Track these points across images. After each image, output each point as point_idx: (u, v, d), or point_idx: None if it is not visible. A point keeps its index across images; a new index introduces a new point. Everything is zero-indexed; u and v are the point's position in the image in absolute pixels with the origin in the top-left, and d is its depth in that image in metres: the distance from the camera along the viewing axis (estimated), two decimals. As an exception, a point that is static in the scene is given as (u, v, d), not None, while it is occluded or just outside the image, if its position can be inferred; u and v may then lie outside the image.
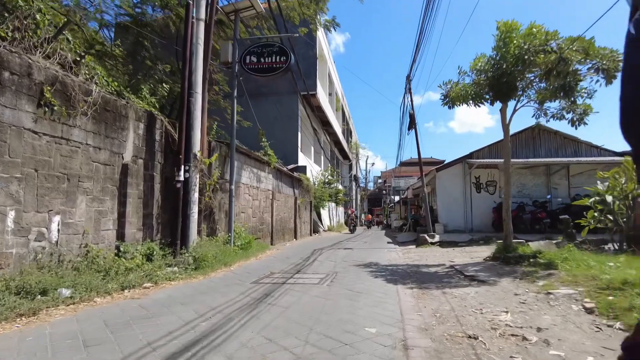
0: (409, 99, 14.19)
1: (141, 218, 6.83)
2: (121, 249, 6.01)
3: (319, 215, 23.54)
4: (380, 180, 72.99)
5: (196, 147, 7.65)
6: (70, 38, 5.97)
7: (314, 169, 24.67)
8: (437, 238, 13.38)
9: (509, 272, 6.44)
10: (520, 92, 8.40)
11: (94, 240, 5.68)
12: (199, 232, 8.07)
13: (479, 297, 4.95)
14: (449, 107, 9.67)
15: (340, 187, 34.49)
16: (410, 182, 33.22)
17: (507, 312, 4.09)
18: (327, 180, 27.09)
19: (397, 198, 44.49)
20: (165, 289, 5.75)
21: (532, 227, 13.59)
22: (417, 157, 46.86)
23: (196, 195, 7.62)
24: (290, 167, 20.17)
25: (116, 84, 6.82)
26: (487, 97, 8.56)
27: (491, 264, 7.55)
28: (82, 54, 5.91)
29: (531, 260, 6.81)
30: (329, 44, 29.57)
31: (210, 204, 8.46)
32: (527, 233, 13.43)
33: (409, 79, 14.29)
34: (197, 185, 7.74)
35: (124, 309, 4.42)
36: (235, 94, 9.78)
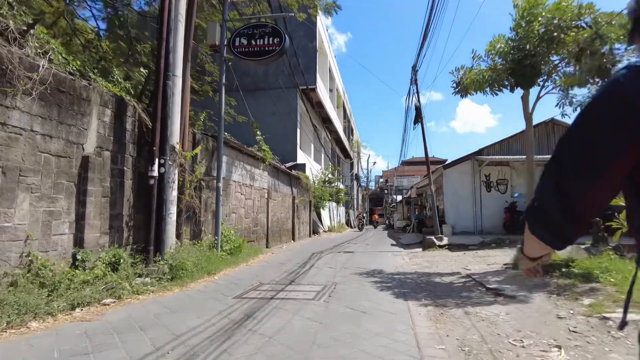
0: (415, 90, 13.22)
1: (107, 220, 5.85)
2: (78, 257, 5.03)
3: (319, 215, 22.56)
4: (382, 180, 71.92)
5: (174, 137, 6.67)
6: (12, 1, 5.00)
7: (313, 167, 23.69)
8: (445, 240, 12.38)
9: (540, 284, 5.44)
10: (545, 77, 7.41)
11: (42, 248, 4.70)
12: (178, 236, 7.09)
13: (512, 320, 3.95)
14: (462, 96, 8.69)
15: (341, 186, 33.49)
16: (414, 181, 32.21)
17: (559, 347, 3.09)
18: (327, 179, 26.10)
19: (399, 198, 43.47)
20: (128, 305, 4.77)
21: (548, 229, 12.56)
22: (420, 156, 45.68)
23: (174, 193, 6.64)
24: (288, 164, 19.19)
25: (79, 62, 5.83)
26: (507, 83, 7.57)
27: (514, 273, 6.54)
28: (31, 23, 4.92)
29: (563, 270, 5.81)
30: (331, 43, 28.62)
31: (192, 204, 7.48)
32: (543, 235, 12.42)
33: (415, 69, 13.31)
34: (176, 182, 6.75)
35: (60, 339, 3.44)
36: (224, 80, 8.80)
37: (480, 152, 14.45)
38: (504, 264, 7.42)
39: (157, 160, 6.10)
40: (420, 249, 12.66)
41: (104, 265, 5.34)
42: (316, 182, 23.31)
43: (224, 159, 9.63)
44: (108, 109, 5.90)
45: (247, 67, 21.64)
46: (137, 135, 6.52)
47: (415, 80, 13.34)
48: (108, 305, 4.68)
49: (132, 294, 5.18)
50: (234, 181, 10.28)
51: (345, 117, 37.40)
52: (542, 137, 14.48)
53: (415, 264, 8.83)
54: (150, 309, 4.57)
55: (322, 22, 24.18)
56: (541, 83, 7.33)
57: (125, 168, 6.23)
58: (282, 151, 20.70)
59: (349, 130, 40.71)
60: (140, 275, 5.79)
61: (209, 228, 8.68)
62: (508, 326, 3.74)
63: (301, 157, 20.96)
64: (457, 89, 8.59)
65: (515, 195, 14.27)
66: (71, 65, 5.61)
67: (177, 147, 6.72)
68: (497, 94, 7.96)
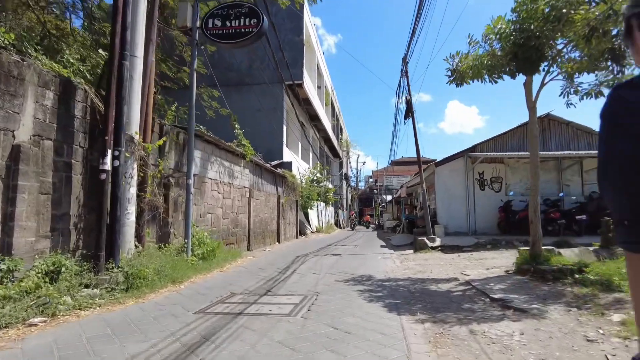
0: (405, 83, 12.50)
1: (49, 221, 4.96)
2: (2, 267, 4.15)
3: (306, 215, 21.75)
4: (371, 180, 71.39)
5: (133, 126, 5.80)
6: None
7: (301, 166, 22.89)
8: (437, 242, 11.69)
9: (553, 294, 4.72)
10: (550, 62, 6.71)
11: (-48, 256, 3.81)
12: (140, 239, 6.23)
13: (531, 343, 3.20)
14: (457, 85, 7.96)
15: (330, 185, 32.73)
16: (404, 180, 31.62)
17: (603, 387, 2.34)
18: (315, 178, 25.31)
19: (389, 198, 42.89)
20: (62, 325, 3.91)
21: (545, 229, 11.91)
22: (410, 156, 45.13)
23: (133, 190, 5.77)
24: (274, 163, 18.34)
25: (12, 36, 4.93)
26: (508, 69, 6.86)
27: (519, 279, 5.83)
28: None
29: (577, 276, 5.11)
30: (321, 44, 27.76)
31: (155, 203, 6.60)
32: (539, 236, 11.82)
33: (405, 61, 12.59)
34: (135, 177, 5.89)
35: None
36: (195, 65, 7.93)
37: (473, 148, 13.81)
38: (508, 269, 6.71)
39: (109, 151, 5.23)
40: (412, 251, 11.94)
41: (40, 275, 4.45)
42: (304, 181, 22.51)
43: (198, 153, 8.78)
44: (50, 92, 5.01)
45: (232, 61, 20.79)
46: (89, 124, 5.63)
47: (406, 72, 12.63)
48: (35, 325, 3.80)
49: (73, 310, 4.31)
50: (210, 179, 9.41)
51: (334, 116, 36.67)
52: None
53: (407, 268, 8.08)
54: (86, 330, 3.71)
55: (309, 16, 23.41)
56: (545, 68, 6.64)
57: (73, 161, 5.35)
58: (267, 149, 19.85)
59: (338, 129, 39.98)
60: (87, 286, 4.92)
61: (179, 230, 7.81)
62: (527, 352, 2.99)
63: (288, 155, 20.14)
64: (452, 78, 7.86)
65: (511, 193, 13.67)
66: (2, 38, 4.72)
67: (137, 137, 5.86)
68: (496, 82, 7.24)
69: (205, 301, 4.99)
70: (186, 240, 7.30)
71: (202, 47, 8.90)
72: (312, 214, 22.59)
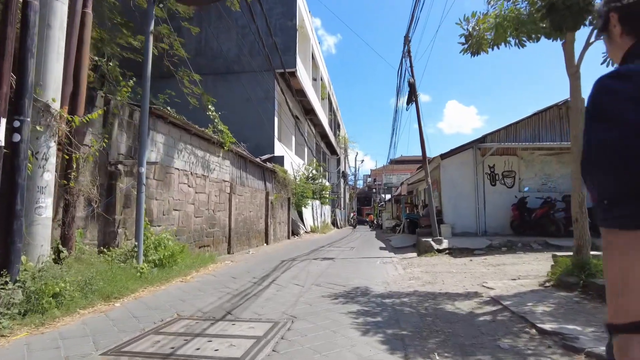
0: (408, 64, 11.04)
1: None
2: None
3: (300, 214, 20.29)
4: (370, 179, 69.98)
5: (50, 92, 4.33)
6: None
7: (295, 161, 21.42)
8: (445, 244, 10.23)
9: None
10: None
11: None
12: (65, 242, 4.76)
13: None
14: (473, 54, 6.52)
15: (326, 183, 31.28)
16: (404, 178, 30.16)
17: None
18: (310, 174, 23.84)
19: (388, 197, 41.44)
20: None
21: (567, 230, 10.50)
22: (410, 154, 43.61)
23: (48, 177, 4.30)
24: (264, 157, 16.89)
25: None
26: (543, 25, 5.40)
27: (566, 297, 4.38)
28: None
29: None
30: (320, 45, 26.30)
31: (88, 194, 5.12)
32: (560, 237, 10.39)
33: (407, 40, 11.13)
34: (54, 159, 4.41)
35: None
36: (152, 27, 6.43)
37: (483, 139, 12.36)
38: (542, 283, 5.25)
39: (1, 120, 3.74)
40: (415, 254, 10.49)
41: None
42: (297, 177, 21.05)
43: (161, 138, 7.31)
44: None
45: (219, 49, 19.32)
46: (-13, 87, 4.16)
47: (408, 51, 11.16)
48: None
49: None
50: (178, 169, 7.94)
51: (331, 111, 35.20)
52: (554, 121, 12.45)
53: (413, 277, 6.63)
54: None
55: (304, 1, 21.91)
56: (593, 23, 5.18)
57: (-43, 135, 3.87)
58: (257, 142, 18.39)
59: (335, 125, 38.52)
60: (-36, 310, 3.45)
61: (132, 230, 6.34)
62: None
63: (279, 150, 18.67)
64: (466, 46, 6.42)
65: (525, 189, 12.23)
66: None
67: (55, 106, 4.37)
68: (524, 45, 5.79)
69: (134, 330, 3.53)
70: (137, 243, 5.82)
71: (161, 5, 7.41)
72: (306, 212, 21.13)
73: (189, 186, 8.36)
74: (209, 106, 9.14)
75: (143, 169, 5.93)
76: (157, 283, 5.60)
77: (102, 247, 5.67)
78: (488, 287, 5.25)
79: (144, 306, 4.49)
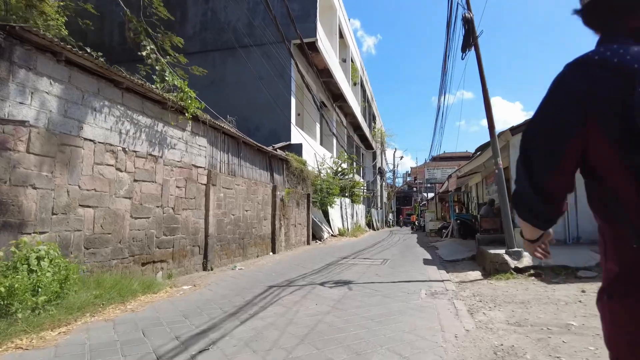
0: (464, -6, 7.49)
1: None
2: None
3: (325, 214, 17.05)
4: (409, 178, 65.44)
5: None
6: None
7: (319, 153, 18.20)
8: (527, 259, 6.57)
9: None
10: None
11: None
12: None
13: None
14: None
15: (360, 179, 27.80)
16: (450, 172, 25.91)
17: None
18: (340, 169, 20.51)
19: (430, 195, 37.19)
20: None
21: None
22: (452, 151, 38.51)
23: None
24: (278, 145, 13.83)
25: None
26: None
27: None
28: None
29: None
30: (359, 47, 22.18)
31: None
32: None
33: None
34: None
35: None
36: None
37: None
38: None
39: None
40: (479, 274, 6.93)
41: None
42: (322, 171, 17.81)
43: (51, 86, 4.32)
44: None
45: (227, 20, 16.52)
46: None
47: (464, -26, 7.62)
48: None
49: None
50: (92, 141, 4.95)
51: (365, 99, 31.61)
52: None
53: (499, 345, 3.16)
54: None
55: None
56: None
57: None
58: (271, 127, 15.37)
59: (370, 116, 34.89)
60: None
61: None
62: None
63: (297, 137, 15.52)
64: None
65: None
66: None
67: None
68: None
69: None
70: None
71: None
72: (333, 212, 17.84)
73: (118, 170, 5.35)
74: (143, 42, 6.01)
75: None
76: None
77: None
78: None
79: None
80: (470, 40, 7.32)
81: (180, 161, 6.71)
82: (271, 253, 10.50)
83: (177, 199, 6.61)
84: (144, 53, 5.90)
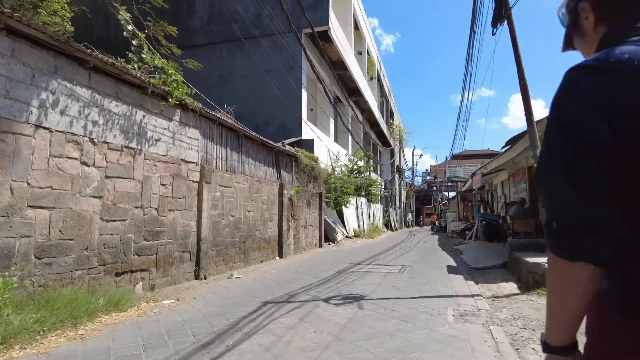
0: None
1: None
2: None
3: (340, 214, 16.07)
4: (429, 177, 63.68)
5: None
6: None
7: (333, 150, 17.22)
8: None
9: None
10: None
11: None
12: None
13: None
14: None
15: (378, 178, 26.69)
16: (473, 170, 24.39)
17: None
18: (355, 167, 19.48)
19: (452, 194, 35.64)
20: None
21: None
22: (472, 149, 36.88)
23: None
24: (289, 140, 12.95)
25: None
26: None
27: None
28: None
29: None
30: (378, 46, 20.83)
31: None
32: None
33: None
34: None
35: None
36: None
37: None
38: None
39: None
40: (515, 287, 5.86)
41: None
42: (336, 169, 16.84)
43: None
44: None
45: (234, 11, 15.71)
46: None
47: None
48: None
49: None
50: (49, 129, 4.13)
51: (383, 95, 30.42)
52: None
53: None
54: None
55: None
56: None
57: None
58: (281, 122, 14.51)
59: (387, 113, 33.66)
60: None
61: None
62: None
63: (309, 132, 14.59)
64: None
65: None
66: None
67: None
68: None
69: None
70: None
71: None
72: (348, 213, 16.83)
73: (84, 164, 4.52)
74: (122, 13, 5.16)
75: None
76: None
77: None
78: None
79: None
80: (502, 11, 6.21)
81: (165, 155, 5.87)
82: (277, 257, 9.60)
83: (162, 198, 5.77)
84: (125, 34, 5.04)
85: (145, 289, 5.37)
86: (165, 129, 5.88)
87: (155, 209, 5.63)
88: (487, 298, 5.24)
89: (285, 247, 9.92)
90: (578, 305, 0.74)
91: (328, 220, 14.36)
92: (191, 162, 6.46)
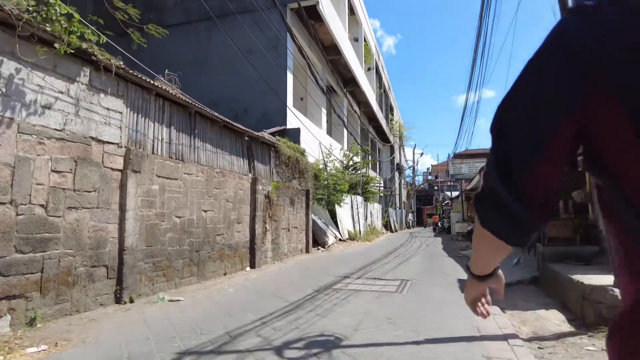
0: None
1: None
2: None
3: (332, 214, 14.32)
4: (430, 176, 61.94)
5: None
6: None
7: (323, 142, 15.45)
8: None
9: None
10: None
11: None
12: None
13: None
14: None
15: (376, 176, 24.94)
16: (480, 166, 22.56)
17: None
18: (351, 163, 17.73)
19: (455, 194, 33.83)
20: None
21: None
22: (474, 148, 34.97)
23: None
24: (271, 130, 11.20)
25: None
26: None
27: None
28: None
29: None
30: (379, 47, 18.96)
31: None
32: None
33: None
34: None
35: None
36: None
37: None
38: None
39: None
40: (563, 318, 4.08)
41: None
42: (328, 163, 15.08)
43: None
44: None
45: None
46: None
47: None
48: None
49: None
50: None
51: (381, 87, 28.63)
52: None
53: None
54: None
55: None
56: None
57: None
58: (264, 110, 12.74)
59: (387, 107, 31.87)
60: None
61: None
62: None
63: (294, 120, 12.82)
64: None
65: None
66: None
67: None
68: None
69: None
70: None
71: None
72: (342, 213, 15.07)
73: None
74: None
75: None
76: None
77: None
78: None
79: None
80: None
81: (62, 130, 4.10)
82: (248, 268, 7.84)
83: (56, 191, 4.00)
84: None
85: (18, 324, 3.61)
86: (62, 92, 4.11)
87: (42, 206, 3.87)
88: (527, 340, 3.48)
89: (259, 255, 8.15)
90: (490, 256, 0.81)
91: (318, 221, 12.59)
92: (109, 143, 4.69)
